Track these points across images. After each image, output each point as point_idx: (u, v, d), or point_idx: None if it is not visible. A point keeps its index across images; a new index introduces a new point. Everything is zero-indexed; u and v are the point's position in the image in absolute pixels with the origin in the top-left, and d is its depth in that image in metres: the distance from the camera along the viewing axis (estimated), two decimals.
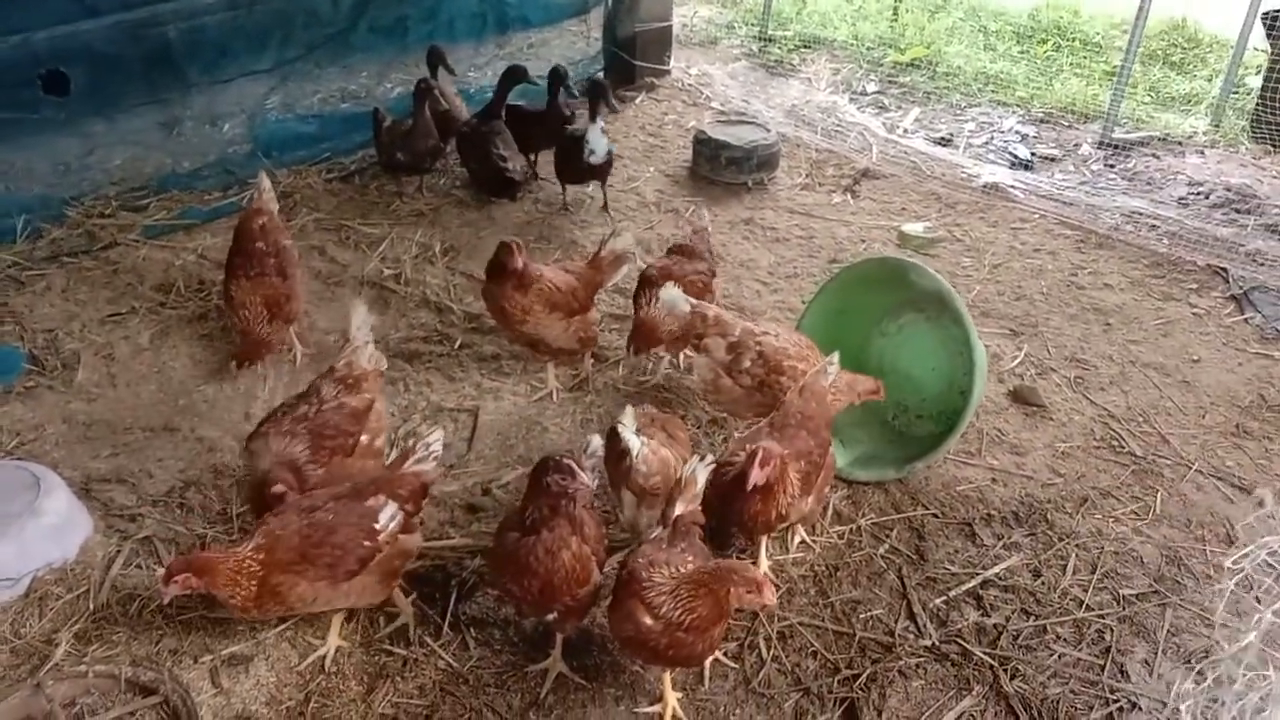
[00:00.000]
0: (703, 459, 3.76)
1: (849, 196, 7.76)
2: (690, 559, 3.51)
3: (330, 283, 6.35)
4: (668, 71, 9.74)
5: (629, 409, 4.13)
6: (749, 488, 3.82)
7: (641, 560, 3.45)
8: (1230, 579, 2.48)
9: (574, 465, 3.55)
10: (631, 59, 9.44)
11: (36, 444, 4.88)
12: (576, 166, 7.06)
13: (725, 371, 4.62)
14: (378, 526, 3.64)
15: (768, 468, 3.84)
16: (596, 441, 4.02)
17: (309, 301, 6.03)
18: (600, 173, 7.13)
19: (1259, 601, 3.39)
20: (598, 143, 6.89)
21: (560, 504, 3.52)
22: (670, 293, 4.76)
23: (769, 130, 8.05)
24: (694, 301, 4.75)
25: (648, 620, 3.35)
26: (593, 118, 6.88)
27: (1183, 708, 2.40)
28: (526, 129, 7.44)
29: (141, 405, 5.21)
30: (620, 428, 3.99)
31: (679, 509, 3.60)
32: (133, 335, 5.72)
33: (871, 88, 9.90)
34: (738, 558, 4.37)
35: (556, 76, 7.35)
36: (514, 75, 7.30)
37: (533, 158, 7.64)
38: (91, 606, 3.99)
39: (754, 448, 3.88)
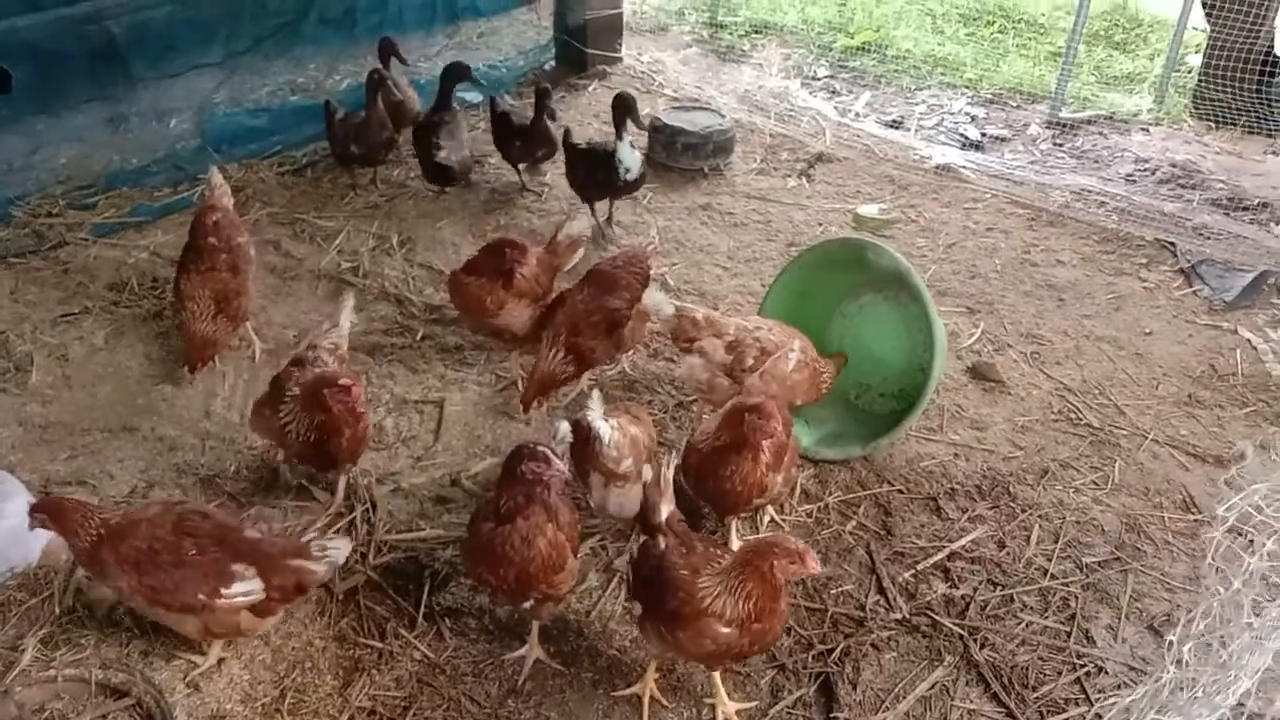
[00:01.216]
0: (669, 456, 3.79)
1: (804, 180, 7.81)
2: (716, 551, 3.53)
3: (286, 277, 6.27)
4: (620, 59, 9.71)
5: (595, 394, 4.14)
6: (766, 437, 3.87)
7: (686, 574, 3.39)
8: (1220, 528, 2.54)
9: (549, 453, 3.56)
10: (583, 47, 9.39)
11: None
12: (607, 185, 6.68)
13: (725, 372, 4.59)
14: (224, 592, 3.51)
15: (773, 419, 3.89)
16: (564, 427, 4.03)
17: (265, 297, 5.97)
18: (631, 190, 6.78)
19: (1251, 544, 3.45)
20: (630, 159, 6.51)
21: (535, 491, 3.51)
22: (654, 296, 4.74)
23: (724, 116, 8.07)
24: (679, 304, 4.74)
25: (725, 630, 3.31)
26: (619, 134, 6.49)
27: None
28: (510, 139, 7.25)
29: (99, 406, 5.12)
30: (589, 413, 4.00)
31: (664, 511, 3.58)
32: (86, 335, 5.61)
33: (823, 72, 9.95)
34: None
35: (540, 95, 7.11)
36: (455, 72, 7.16)
37: (520, 168, 7.41)
38: (57, 610, 3.91)
39: (751, 403, 3.95)
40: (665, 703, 3.72)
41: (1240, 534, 4.38)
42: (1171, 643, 2.57)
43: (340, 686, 3.73)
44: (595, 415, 3.99)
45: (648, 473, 4.07)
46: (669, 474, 3.65)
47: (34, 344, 5.50)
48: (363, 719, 3.62)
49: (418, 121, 7.30)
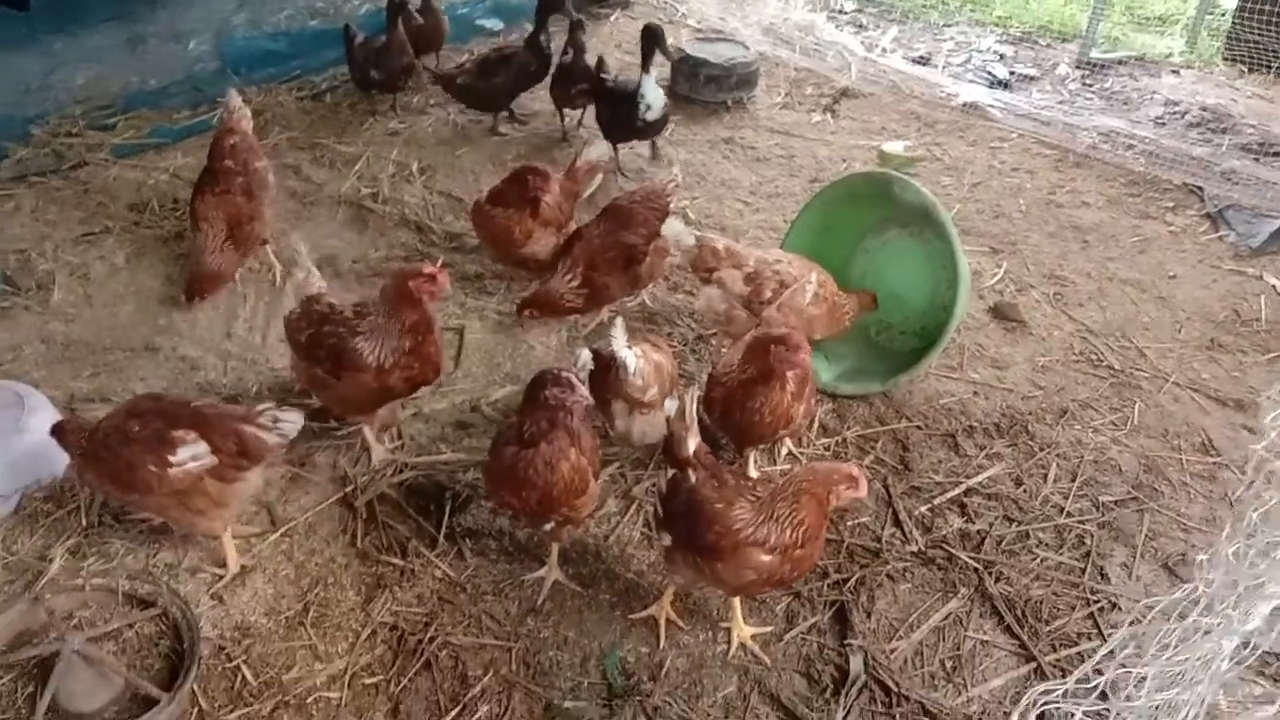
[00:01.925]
0: (692, 389, 3.79)
1: (829, 116, 7.71)
2: (747, 481, 3.55)
3: (306, 202, 6.26)
4: None
5: (618, 322, 4.13)
6: (793, 368, 3.88)
7: (721, 507, 3.39)
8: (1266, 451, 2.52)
9: (572, 379, 3.56)
10: None
11: (15, 364, 4.81)
12: (629, 124, 6.46)
13: (743, 304, 4.58)
14: (172, 460, 3.55)
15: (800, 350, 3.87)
16: (586, 355, 4.02)
17: (285, 221, 5.96)
18: (654, 130, 6.56)
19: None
20: (654, 96, 6.30)
21: (559, 417, 3.52)
22: (675, 225, 4.70)
23: (748, 48, 7.96)
24: (700, 234, 4.70)
25: (765, 558, 3.33)
26: (645, 67, 6.25)
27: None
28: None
29: (120, 325, 5.14)
30: (613, 341, 4.00)
31: (691, 445, 3.56)
32: (108, 255, 5.62)
33: (849, 5, 9.79)
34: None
35: (573, 28, 6.82)
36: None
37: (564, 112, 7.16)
38: (84, 522, 3.97)
39: (777, 334, 3.95)
40: (682, 625, 3.76)
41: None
42: (1202, 561, 2.56)
43: (362, 602, 3.79)
44: (619, 344, 3.99)
45: (670, 405, 4.11)
46: (694, 408, 3.64)
47: (55, 262, 5.52)
48: (384, 633, 3.67)
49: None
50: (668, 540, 3.54)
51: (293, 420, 3.72)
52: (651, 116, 6.36)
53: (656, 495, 3.66)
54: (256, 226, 5.28)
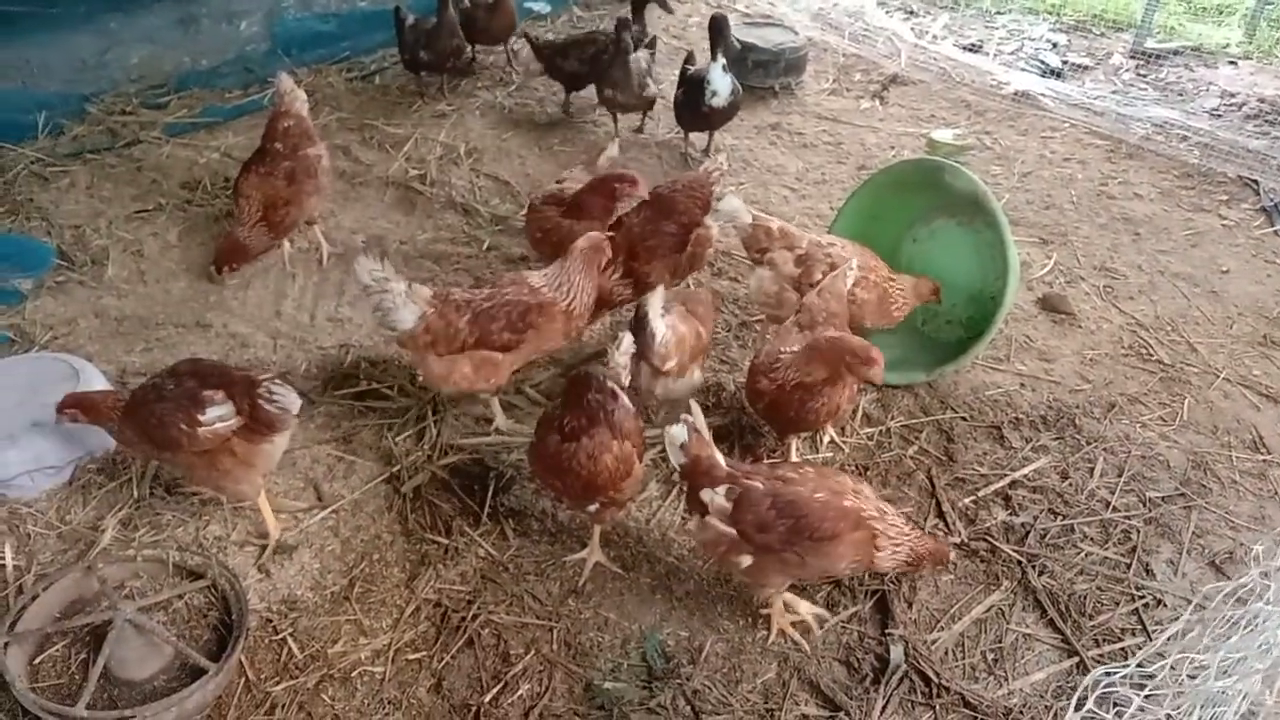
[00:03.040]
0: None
1: (877, 102, 7.65)
2: (808, 469, 3.61)
3: (355, 182, 6.31)
4: None
5: (659, 290, 4.22)
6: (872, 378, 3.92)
7: (824, 496, 3.46)
8: None
9: (616, 388, 3.59)
10: None
11: (70, 338, 4.91)
12: (695, 111, 6.45)
13: (794, 286, 4.58)
14: (202, 420, 3.62)
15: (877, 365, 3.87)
16: (628, 340, 4.02)
17: (334, 201, 6.02)
18: (721, 119, 6.53)
19: None
20: (720, 83, 6.28)
21: (599, 415, 3.56)
22: (732, 202, 4.67)
23: (796, 33, 7.91)
24: (757, 214, 4.68)
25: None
26: (714, 55, 6.25)
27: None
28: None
29: (172, 301, 5.23)
30: (649, 305, 4.10)
31: (722, 461, 3.59)
32: (160, 232, 5.71)
33: None
34: (769, 457, 4.42)
35: (619, 26, 6.56)
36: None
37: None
38: (135, 494, 4.05)
39: (850, 344, 3.93)
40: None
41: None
42: (1258, 552, 2.54)
43: (407, 579, 3.83)
44: (655, 312, 4.08)
45: (697, 375, 4.31)
46: (704, 429, 3.63)
47: (109, 238, 5.61)
48: (428, 610, 3.72)
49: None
50: (747, 561, 3.48)
51: (286, 396, 3.73)
52: (717, 103, 6.34)
53: (718, 517, 3.48)
54: (293, 211, 5.27)
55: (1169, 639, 2.88)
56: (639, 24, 6.87)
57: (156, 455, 3.80)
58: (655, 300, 4.15)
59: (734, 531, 3.44)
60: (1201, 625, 2.66)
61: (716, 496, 3.47)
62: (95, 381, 4.34)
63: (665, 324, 4.11)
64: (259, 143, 5.42)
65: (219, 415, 3.64)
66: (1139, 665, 2.59)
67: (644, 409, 4.28)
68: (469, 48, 7.42)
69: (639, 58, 6.44)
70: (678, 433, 3.57)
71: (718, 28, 6.25)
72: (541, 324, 4.25)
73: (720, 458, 3.58)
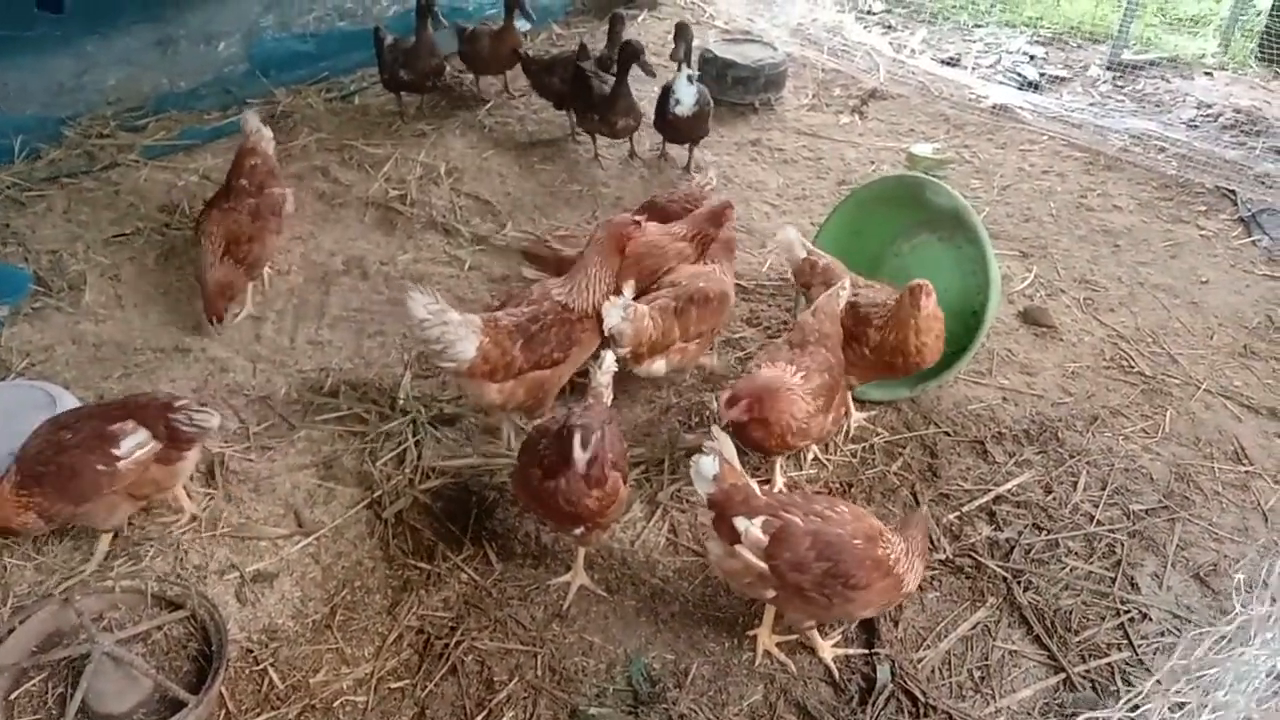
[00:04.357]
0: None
1: (857, 117, 7.67)
2: (841, 507, 3.55)
3: (335, 203, 6.28)
4: None
5: (630, 283, 4.39)
6: (723, 425, 3.81)
7: (862, 543, 3.41)
8: None
9: (579, 448, 3.47)
10: None
11: (47, 364, 4.86)
12: (661, 117, 6.55)
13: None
14: (119, 453, 3.59)
15: (736, 408, 3.82)
16: (610, 359, 4.02)
17: (313, 223, 6.00)
18: (689, 127, 6.51)
19: None
20: (684, 92, 6.32)
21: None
22: (790, 233, 4.65)
23: (775, 49, 7.92)
24: (810, 247, 4.66)
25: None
26: (679, 64, 6.34)
27: None
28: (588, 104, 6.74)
29: (150, 326, 5.18)
30: (608, 311, 4.26)
31: (759, 490, 3.58)
32: (138, 256, 5.66)
33: (878, 6, 9.73)
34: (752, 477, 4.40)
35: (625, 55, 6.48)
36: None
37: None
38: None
39: (725, 391, 3.88)
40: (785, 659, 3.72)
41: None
42: (1240, 582, 2.54)
43: (389, 605, 3.79)
44: (616, 307, 4.26)
45: (659, 364, 4.48)
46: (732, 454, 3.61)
47: (87, 263, 5.56)
48: (411, 637, 3.68)
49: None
50: (770, 595, 3.46)
51: (208, 418, 3.75)
52: (681, 112, 6.38)
53: (751, 549, 3.40)
54: (256, 249, 5.15)
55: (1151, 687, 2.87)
56: (610, 47, 6.85)
57: (74, 514, 3.66)
58: (627, 291, 4.38)
59: (765, 567, 3.37)
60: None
61: (753, 528, 3.37)
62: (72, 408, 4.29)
63: (621, 314, 4.26)
64: (227, 176, 5.36)
65: (137, 443, 3.64)
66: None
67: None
68: (453, 68, 7.40)
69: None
70: (707, 466, 3.48)
71: (679, 34, 6.43)
72: (583, 338, 4.32)
73: (755, 485, 3.54)
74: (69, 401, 4.34)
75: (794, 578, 3.35)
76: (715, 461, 3.48)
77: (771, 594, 3.45)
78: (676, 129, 6.57)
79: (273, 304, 5.37)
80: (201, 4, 7.22)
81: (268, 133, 5.48)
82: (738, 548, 3.40)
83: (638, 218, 4.44)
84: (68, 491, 3.56)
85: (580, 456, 3.43)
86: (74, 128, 6.70)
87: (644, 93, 6.87)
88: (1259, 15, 9.17)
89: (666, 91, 6.43)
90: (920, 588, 3.94)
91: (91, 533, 3.91)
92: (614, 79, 6.40)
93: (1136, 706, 2.66)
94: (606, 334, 4.31)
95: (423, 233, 6.02)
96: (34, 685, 3.38)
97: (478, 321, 4.12)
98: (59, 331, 5.08)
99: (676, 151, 6.92)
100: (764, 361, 4.18)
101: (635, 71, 6.38)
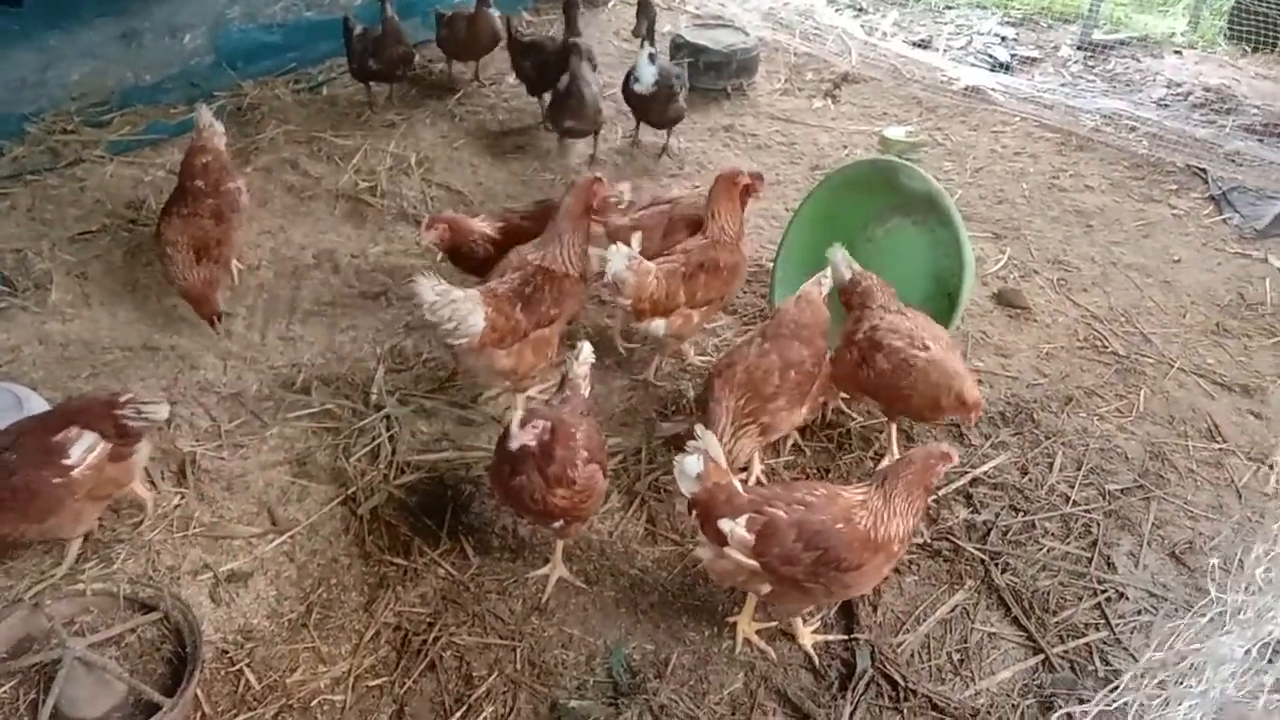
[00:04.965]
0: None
1: (829, 101, 7.66)
2: (819, 489, 3.52)
3: (304, 196, 6.21)
4: None
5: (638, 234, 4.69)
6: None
7: (845, 526, 3.34)
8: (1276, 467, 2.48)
9: (511, 429, 3.49)
10: None
11: (14, 365, 4.78)
12: (626, 94, 6.59)
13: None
14: (70, 461, 3.52)
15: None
16: (587, 349, 3.99)
17: (283, 216, 5.94)
18: (651, 105, 6.52)
19: None
20: (644, 70, 6.35)
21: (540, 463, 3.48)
22: (838, 253, 4.53)
23: (747, 34, 7.89)
24: (856, 266, 4.51)
25: (899, 548, 3.45)
26: (640, 39, 6.36)
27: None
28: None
29: (119, 324, 5.11)
30: (613, 255, 4.37)
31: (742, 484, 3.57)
32: (105, 254, 5.58)
33: None
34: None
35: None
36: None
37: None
38: None
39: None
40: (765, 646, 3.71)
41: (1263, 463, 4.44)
42: (1214, 566, 2.55)
43: (365, 603, 3.76)
44: (619, 253, 4.37)
45: (658, 324, 4.55)
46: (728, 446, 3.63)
47: (53, 261, 5.47)
48: (388, 634, 3.65)
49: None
50: (766, 589, 3.43)
51: (157, 408, 3.71)
52: (640, 89, 6.44)
53: (739, 549, 3.35)
54: (225, 250, 5.07)
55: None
56: (573, 31, 6.77)
57: (42, 531, 3.59)
58: (636, 243, 4.65)
59: (756, 564, 3.34)
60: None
61: (737, 528, 3.33)
62: (39, 409, 4.22)
63: (624, 262, 4.35)
64: (177, 181, 5.22)
65: (86, 447, 3.57)
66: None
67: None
68: (423, 57, 7.32)
69: (591, 82, 6.36)
70: (691, 464, 3.44)
71: (641, 10, 6.43)
72: (573, 291, 4.48)
73: (738, 484, 3.51)
74: (36, 403, 4.27)
75: (787, 571, 3.33)
76: (700, 460, 3.45)
77: (768, 589, 3.43)
78: (636, 106, 6.63)
79: (243, 299, 5.31)
80: None
81: (219, 127, 5.38)
82: (726, 549, 3.36)
83: (599, 175, 4.55)
84: (29, 513, 3.50)
85: (517, 434, 3.44)
86: (37, 124, 6.59)
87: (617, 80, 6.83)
88: None
89: (630, 71, 6.48)
90: (898, 570, 3.96)
91: None
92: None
93: (1114, 698, 2.66)
94: (608, 280, 4.40)
95: (394, 224, 5.96)
96: (4, 692, 3.32)
97: (478, 295, 4.22)
98: (25, 331, 5.00)
99: (650, 139, 6.88)
100: (736, 354, 4.15)
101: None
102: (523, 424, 3.45)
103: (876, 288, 4.42)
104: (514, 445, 3.44)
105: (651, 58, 6.35)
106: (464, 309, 4.11)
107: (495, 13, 7.30)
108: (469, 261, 5.02)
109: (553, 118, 6.57)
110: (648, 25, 6.41)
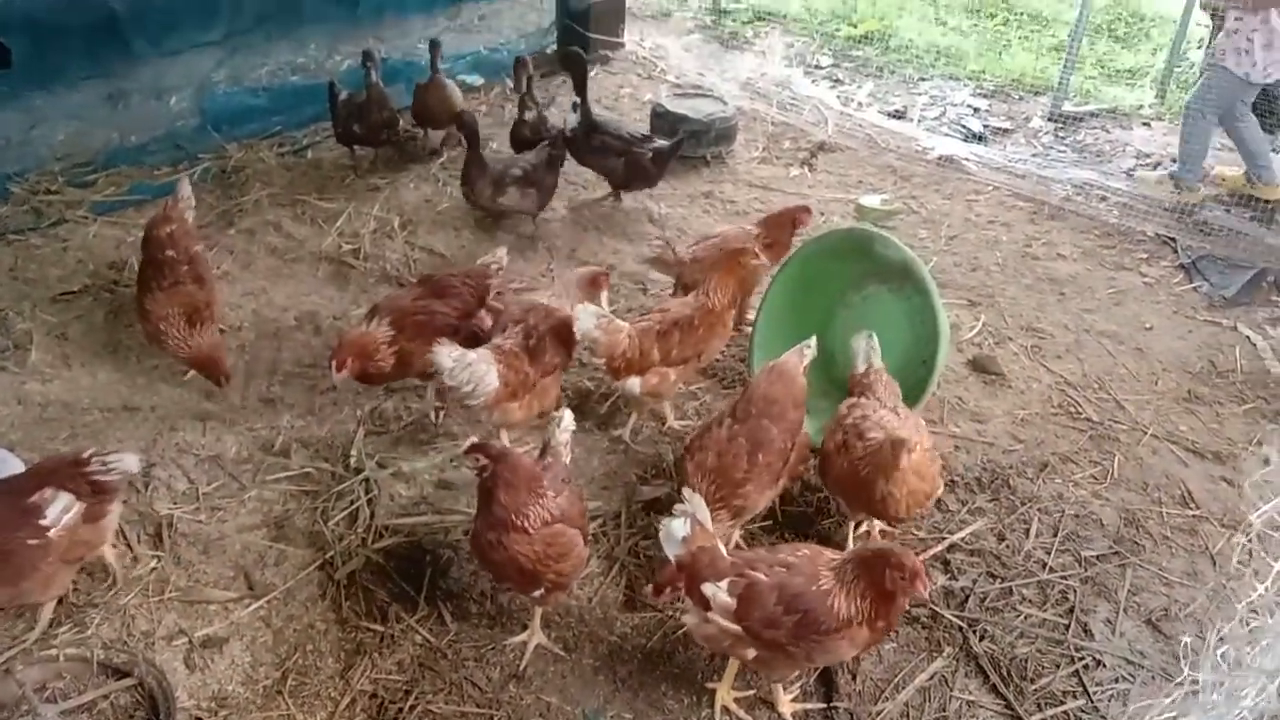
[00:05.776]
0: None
1: (806, 169, 7.80)
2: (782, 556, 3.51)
3: (287, 259, 6.25)
4: (622, 44, 9.68)
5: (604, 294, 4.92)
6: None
7: (816, 590, 3.33)
8: (1248, 534, 2.51)
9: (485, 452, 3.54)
10: (585, 31, 9.35)
11: None
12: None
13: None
14: (47, 523, 3.51)
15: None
16: (568, 417, 4.01)
17: (265, 278, 5.97)
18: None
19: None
20: (571, 117, 6.84)
21: (508, 518, 3.50)
22: (862, 342, 4.54)
23: (726, 103, 8.05)
24: (875, 361, 4.48)
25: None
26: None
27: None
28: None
29: (99, 386, 5.10)
30: (580, 314, 4.52)
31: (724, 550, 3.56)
32: (86, 314, 5.59)
33: (826, 61, 9.94)
34: None
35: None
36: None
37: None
38: None
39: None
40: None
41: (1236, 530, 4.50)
42: (1185, 643, 2.57)
43: (342, 669, 3.73)
44: (583, 310, 4.55)
45: (632, 382, 4.65)
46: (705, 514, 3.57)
47: (33, 322, 5.48)
48: (364, 701, 3.62)
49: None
50: (752, 654, 3.41)
51: (122, 460, 3.73)
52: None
53: (721, 614, 3.36)
54: (215, 309, 5.11)
55: None
56: (582, 98, 6.91)
57: (16, 595, 3.56)
58: (602, 300, 4.84)
59: (739, 629, 3.33)
60: None
61: (720, 593, 3.33)
62: (17, 470, 4.20)
63: (593, 321, 4.51)
64: (144, 256, 5.15)
65: (62, 508, 3.56)
66: None
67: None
68: (407, 122, 7.44)
69: (499, 160, 6.55)
70: (677, 527, 3.44)
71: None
72: (570, 340, 4.68)
73: (722, 548, 3.51)
74: (14, 464, 4.26)
75: (770, 635, 3.32)
76: (686, 524, 3.45)
77: (754, 654, 3.41)
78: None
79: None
80: (154, 58, 7.19)
81: (192, 200, 5.42)
82: (709, 614, 3.36)
83: (602, 270, 4.98)
84: (3, 576, 3.46)
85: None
86: (21, 184, 6.63)
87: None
88: (1193, 67, 9.47)
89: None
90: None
91: None
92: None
93: None
94: (579, 340, 4.60)
95: (376, 286, 6.00)
96: None
97: (489, 354, 4.38)
98: (4, 392, 4.98)
99: (631, 203, 6.99)
100: (703, 433, 4.16)
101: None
102: (466, 452, 3.52)
103: (883, 385, 4.39)
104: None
105: (574, 106, 6.84)
106: (480, 370, 4.29)
107: (477, 81, 7.45)
108: (379, 379, 4.84)
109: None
110: (577, 80, 6.83)
